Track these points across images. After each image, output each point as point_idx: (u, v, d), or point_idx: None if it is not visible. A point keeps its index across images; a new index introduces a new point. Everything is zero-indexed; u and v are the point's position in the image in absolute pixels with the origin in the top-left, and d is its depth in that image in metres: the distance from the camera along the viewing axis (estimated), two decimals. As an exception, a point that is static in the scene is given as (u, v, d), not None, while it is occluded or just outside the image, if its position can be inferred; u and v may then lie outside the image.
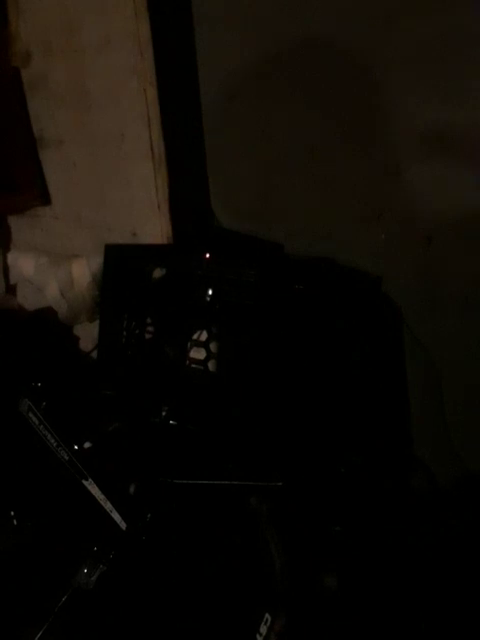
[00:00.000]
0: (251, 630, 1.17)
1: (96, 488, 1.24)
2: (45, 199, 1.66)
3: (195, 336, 1.32)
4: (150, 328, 1.37)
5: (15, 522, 1.31)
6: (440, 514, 1.51)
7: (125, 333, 1.38)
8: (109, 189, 1.54)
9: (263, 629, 1.17)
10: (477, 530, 1.45)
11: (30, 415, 1.27)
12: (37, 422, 1.26)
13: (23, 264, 1.62)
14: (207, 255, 1.31)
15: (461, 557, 1.41)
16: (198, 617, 1.22)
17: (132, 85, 1.38)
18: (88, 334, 1.53)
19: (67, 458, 1.25)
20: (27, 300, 1.63)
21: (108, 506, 1.24)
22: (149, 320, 1.37)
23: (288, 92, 1.38)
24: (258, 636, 1.17)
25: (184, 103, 1.48)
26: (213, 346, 1.30)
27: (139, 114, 1.40)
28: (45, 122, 1.57)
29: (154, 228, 1.50)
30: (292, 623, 1.20)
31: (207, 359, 1.30)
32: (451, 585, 1.37)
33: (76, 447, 1.25)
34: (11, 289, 1.70)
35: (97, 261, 1.50)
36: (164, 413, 1.31)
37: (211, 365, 1.30)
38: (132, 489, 1.26)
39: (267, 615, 1.18)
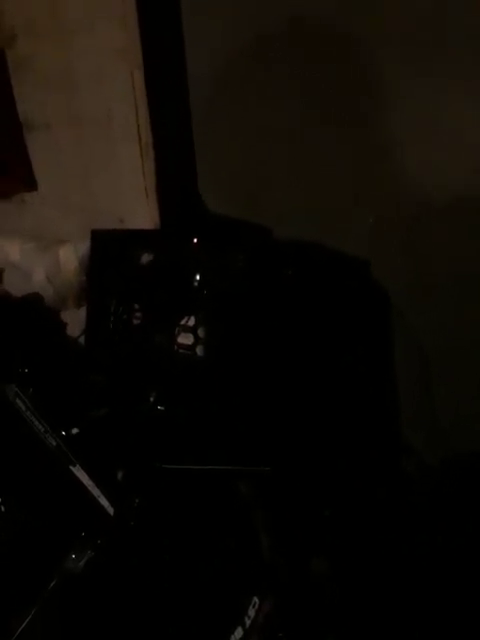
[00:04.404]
0: (240, 613, 1.18)
1: (84, 474, 1.24)
2: (32, 184, 1.64)
3: (183, 321, 1.31)
4: (138, 314, 1.37)
5: (3, 508, 1.30)
6: (430, 497, 1.53)
7: (113, 319, 1.38)
8: (96, 174, 1.53)
9: (251, 612, 1.18)
10: (467, 513, 1.46)
11: (17, 401, 1.26)
12: (24, 408, 1.26)
13: (9, 249, 1.61)
14: (195, 240, 1.31)
15: (452, 540, 1.42)
16: (187, 602, 1.22)
17: (118, 68, 1.37)
18: (75, 320, 1.52)
19: (55, 444, 1.25)
20: (13, 285, 1.62)
21: (96, 492, 1.24)
22: (137, 306, 1.37)
23: (277, 76, 1.37)
24: (246, 619, 1.18)
25: (172, 86, 1.46)
26: (201, 331, 1.29)
27: (126, 97, 1.39)
28: (31, 105, 1.55)
29: (142, 213, 1.49)
30: (280, 605, 1.21)
31: (195, 344, 1.30)
32: (441, 568, 1.39)
33: (64, 433, 1.25)
34: (-3, 275, 1.69)
35: (84, 246, 1.49)
36: (152, 398, 1.31)
37: (199, 350, 1.30)
38: (120, 475, 1.26)
39: (255, 598, 1.19)
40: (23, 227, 1.68)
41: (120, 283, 1.37)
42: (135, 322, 1.37)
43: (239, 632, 1.19)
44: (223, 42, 1.39)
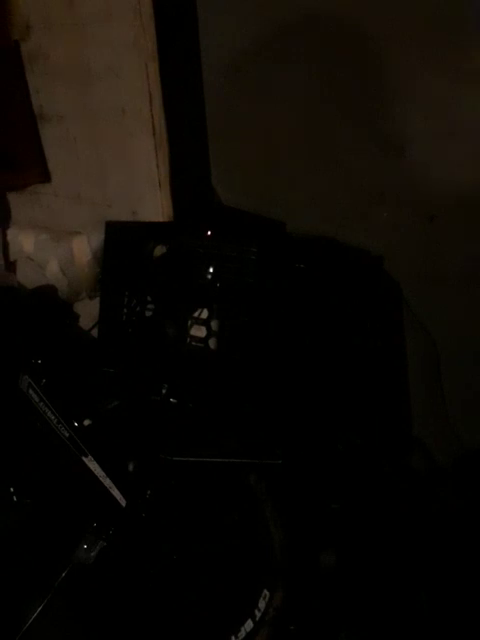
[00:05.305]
0: (250, 605, 1.19)
1: (96, 465, 1.25)
2: (45, 176, 1.64)
3: (196, 314, 1.31)
4: (151, 306, 1.37)
5: (15, 498, 1.31)
6: (438, 492, 1.52)
7: (126, 311, 1.38)
8: (110, 166, 1.53)
9: (262, 604, 1.18)
10: (475, 508, 1.46)
11: (30, 392, 1.27)
12: (37, 399, 1.27)
13: (23, 241, 1.62)
14: (208, 233, 1.30)
15: (459, 535, 1.42)
16: (198, 593, 1.23)
17: (133, 60, 1.36)
18: (88, 311, 1.53)
19: (67, 435, 1.25)
20: (27, 277, 1.62)
21: (108, 483, 1.25)
22: (150, 298, 1.37)
23: (291, 70, 1.37)
24: (257, 611, 1.18)
25: (186, 78, 1.46)
26: (214, 324, 1.29)
27: (140, 89, 1.38)
28: (45, 97, 1.55)
29: (155, 206, 1.48)
30: (290, 598, 1.21)
31: (208, 337, 1.30)
32: (449, 562, 1.38)
33: (76, 424, 1.26)
34: (11, 266, 1.70)
35: (98, 238, 1.49)
36: (164, 391, 1.31)
37: (212, 343, 1.30)
38: (132, 466, 1.27)
39: (265, 591, 1.19)
40: (37, 219, 1.68)
41: (133, 275, 1.38)
42: (148, 314, 1.37)
43: (249, 625, 1.19)
44: (238, 33, 1.38)
